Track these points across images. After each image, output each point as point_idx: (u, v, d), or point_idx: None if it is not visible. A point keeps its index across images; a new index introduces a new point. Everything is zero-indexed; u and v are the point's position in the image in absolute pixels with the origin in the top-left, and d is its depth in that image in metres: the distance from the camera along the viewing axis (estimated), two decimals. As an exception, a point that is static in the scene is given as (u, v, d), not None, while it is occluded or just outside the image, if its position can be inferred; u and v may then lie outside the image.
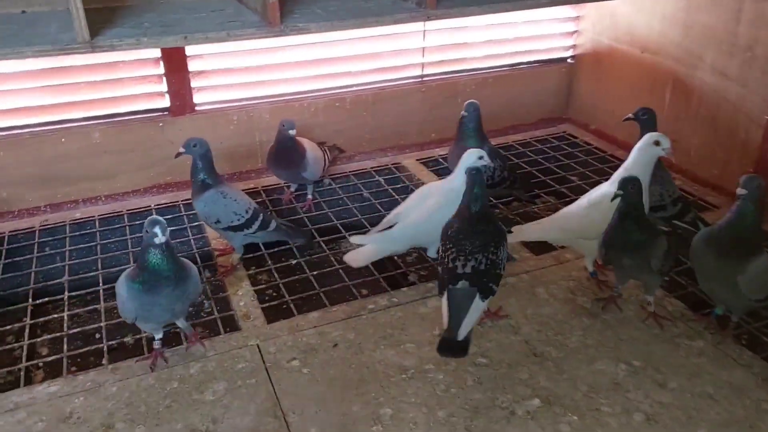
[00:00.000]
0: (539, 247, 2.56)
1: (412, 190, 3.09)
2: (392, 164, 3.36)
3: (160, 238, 1.73)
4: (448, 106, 3.50)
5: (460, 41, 3.46)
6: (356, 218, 2.90)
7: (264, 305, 2.27)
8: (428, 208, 2.27)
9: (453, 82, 3.49)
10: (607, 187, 2.17)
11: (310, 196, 2.98)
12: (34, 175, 2.81)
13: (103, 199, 2.97)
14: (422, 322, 2.15)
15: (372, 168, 3.31)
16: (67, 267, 2.54)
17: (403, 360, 1.98)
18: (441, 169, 3.30)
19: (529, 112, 3.70)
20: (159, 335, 1.96)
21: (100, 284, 2.43)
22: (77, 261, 2.61)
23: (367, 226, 2.82)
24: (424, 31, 3.32)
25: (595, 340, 2.05)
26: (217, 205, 2.33)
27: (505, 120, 3.66)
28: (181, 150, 2.31)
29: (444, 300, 1.86)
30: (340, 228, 2.80)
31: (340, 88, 3.28)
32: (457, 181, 2.20)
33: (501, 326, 2.12)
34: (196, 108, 3.01)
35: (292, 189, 3.03)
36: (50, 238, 2.73)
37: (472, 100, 2.70)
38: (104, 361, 2.03)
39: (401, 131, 3.46)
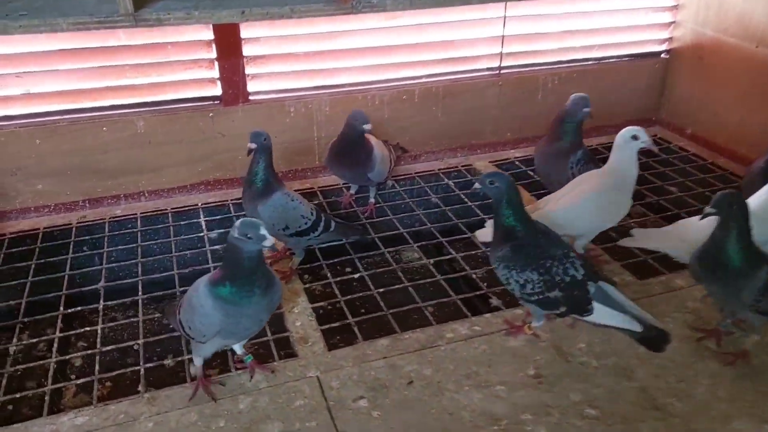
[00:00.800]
0: (643, 270, 2.20)
1: (484, 195, 2.77)
2: (462, 166, 3.02)
3: (269, 241, 1.46)
4: (527, 103, 3.13)
5: (543, 30, 3.09)
6: (424, 226, 2.56)
7: (323, 327, 1.96)
8: (581, 193, 2.03)
9: (533, 75, 3.12)
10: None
11: (372, 200, 2.66)
12: (72, 166, 2.55)
13: (146, 195, 2.70)
14: (513, 359, 1.80)
15: (440, 170, 2.97)
16: (104, 271, 2.27)
17: (493, 406, 1.64)
18: (518, 173, 2.94)
19: (615, 112, 3.30)
20: (202, 360, 1.67)
21: (140, 293, 2.14)
22: (116, 264, 2.35)
23: (437, 235, 2.49)
24: (505, 17, 2.95)
25: (728, 392, 1.68)
26: (286, 209, 2.06)
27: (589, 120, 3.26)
28: (252, 146, 2.03)
29: (598, 307, 1.69)
30: (407, 237, 2.47)
31: (409, 79, 2.94)
32: (616, 164, 2.03)
33: (610, 368, 1.76)
34: (250, 97, 2.71)
35: (352, 191, 2.71)
36: (87, 237, 2.48)
37: (581, 94, 2.34)
38: (140, 387, 1.74)
39: (473, 129, 3.10)
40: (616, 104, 3.30)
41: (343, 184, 2.78)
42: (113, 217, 2.57)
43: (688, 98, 3.27)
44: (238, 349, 1.74)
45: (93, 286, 2.19)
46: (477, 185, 1.76)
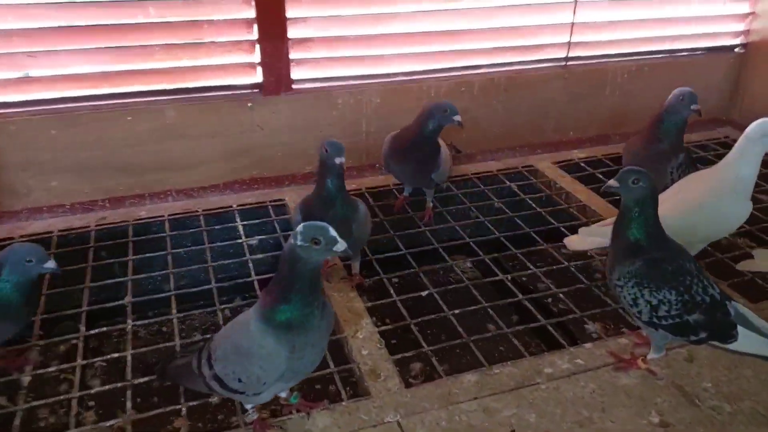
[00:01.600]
0: (757, 292, 1.89)
1: (552, 200, 2.49)
2: (523, 167, 2.71)
3: (341, 245, 1.21)
4: (593, 99, 2.84)
5: (614, 18, 2.78)
6: (492, 235, 2.25)
7: (396, 356, 1.65)
8: (699, 195, 1.77)
9: (601, 68, 2.82)
10: None
11: (430, 204, 2.35)
12: (91, 160, 2.24)
13: (174, 194, 2.39)
14: (629, 401, 1.50)
15: (498, 171, 2.66)
16: (130, 283, 1.95)
17: (621, 466, 1.33)
18: (584, 176, 2.63)
19: (685, 110, 3.00)
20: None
21: (174, 310, 1.83)
22: (143, 276, 2.03)
23: (508, 245, 2.18)
24: (576, 1, 2.65)
25: None
26: (368, 218, 1.86)
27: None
28: (341, 160, 1.74)
29: (742, 332, 1.43)
30: (475, 247, 2.16)
31: (468, 69, 2.64)
32: (737, 162, 1.75)
33: (747, 414, 1.46)
34: (294, 86, 2.41)
35: (406, 193, 2.40)
36: (109, 242, 2.16)
37: (686, 88, 2.04)
38: None
39: (535, 126, 2.80)
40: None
41: (395, 185, 2.48)
42: (137, 220, 2.26)
43: (766, 97, 2.96)
44: (282, 392, 1.43)
45: (118, 302, 1.87)
46: (613, 183, 1.45)
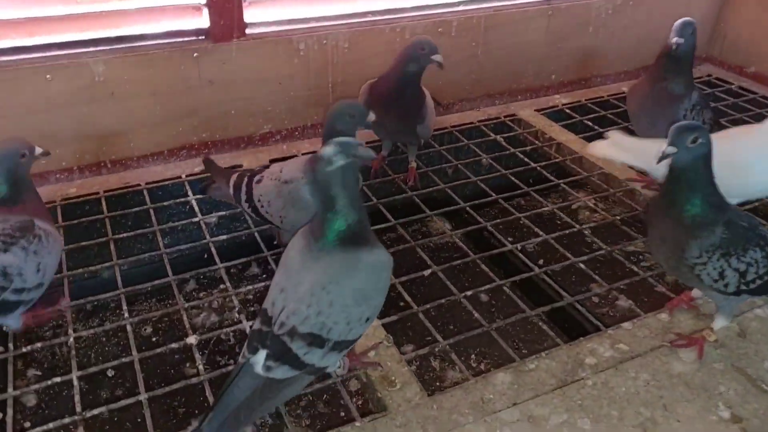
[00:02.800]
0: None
1: (545, 153, 2.24)
2: (505, 116, 2.45)
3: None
4: (576, 38, 2.58)
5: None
6: (488, 197, 1.97)
7: (408, 355, 1.38)
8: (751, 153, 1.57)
9: (585, 3, 2.53)
10: None
11: (413, 164, 2.06)
12: (1, 131, 1.81)
13: (109, 166, 2.00)
14: (690, 393, 1.29)
15: (480, 121, 2.39)
16: (65, 282, 1.58)
17: (701, 478, 1.12)
18: (572, 125, 2.39)
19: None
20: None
21: (125, 313, 1.49)
22: (80, 271, 1.65)
23: (510, 209, 1.93)
24: (559, -70, 2.35)
25: None
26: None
27: (634, 59, 2.74)
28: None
29: None
30: (473, 213, 1.88)
31: (445, 6, 2.31)
32: None
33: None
34: (247, 31, 2.02)
35: (384, 152, 2.09)
36: (33, 230, 1.76)
37: (688, 19, 1.78)
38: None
39: (515, 71, 2.52)
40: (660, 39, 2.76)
41: (368, 143, 2.16)
42: (66, 198, 1.87)
43: (751, 31, 2.78)
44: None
45: (50, 307, 1.50)
46: (670, 149, 1.19)
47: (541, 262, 1.76)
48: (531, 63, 2.53)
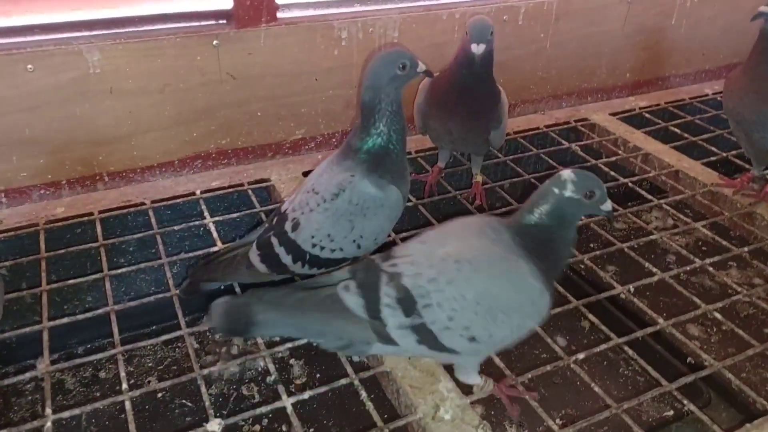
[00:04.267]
0: None
1: (632, 165, 1.86)
2: (576, 121, 2.08)
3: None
4: (657, 29, 2.21)
5: None
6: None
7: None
8: None
9: (670, -10, 2.16)
10: None
11: (479, 178, 1.69)
12: (-28, 133, 1.44)
13: (106, 179, 1.62)
14: None
15: (548, 127, 2.02)
16: (46, 330, 1.20)
17: None
18: (657, 132, 2.02)
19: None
20: None
21: (117, 343, 1.11)
22: (61, 315, 1.27)
23: (605, 235, 1.54)
24: None
25: None
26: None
27: (717, 56, 2.37)
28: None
29: None
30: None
31: (511, -10, 1.93)
32: None
33: None
34: (279, 14, 1.64)
35: (441, 163, 1.72)
36: (8, 259, 1.39)
37: None
38: None
39: (586, 67, 2.15)
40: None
41: (417, 151, 1.80)
42: (51, 221, 1.49)
43: None
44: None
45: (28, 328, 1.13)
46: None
47: (656, 306, 1.38)
48: (605, 58, 2.16)
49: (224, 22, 1.61)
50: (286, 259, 1.16)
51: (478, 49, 1.37)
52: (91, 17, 1.48)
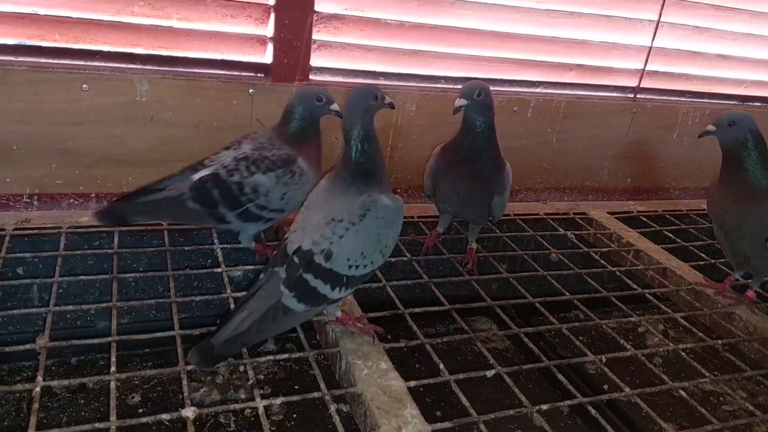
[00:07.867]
0: None
1: (623, 258, 1.96)
2: (575, 213, 2.19)
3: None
4: (659, 143, 2.36)
5: (698, 49, 2.32)
6: (561, 295, 1.66)
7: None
8: None
9: (673, 107, 2.34)
10: None
11: (474, 245, 1.79)
12: (19, 137, 1.60)
13: (132, 197, 1.75)
14: None
15: (547, 215, 2.14)
16: (50, 317, 1.29)
17: None
18: (651, 233, 2.12)
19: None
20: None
21: (113, 366, 1.18)
22: (71, 308, 1.37)
23: (587, 312, 1.62)
24: (659, 22, 2.18)
25: None
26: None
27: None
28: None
29: None
30: (542, 309, 1.58)
31: (525, 84, 2.12)
32: None
33: None
34: (312, 76, 1.83)
35: (440, 228, 1.83)
36: (28, 254, 1.51)
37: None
38: None
39: (589, 166, 2.29)
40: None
41: (420, 217, 1.92)
42: (74, 227, 1.61)
43: None
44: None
45: (26, 346, 1.21)
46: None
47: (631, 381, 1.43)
48: (607, 161, 2.31)
49: (262, 75, 1.79)
50: (325, 289, 1.23)
51: (458, 102, 1.53)
52: (146, 52, 1.67)
